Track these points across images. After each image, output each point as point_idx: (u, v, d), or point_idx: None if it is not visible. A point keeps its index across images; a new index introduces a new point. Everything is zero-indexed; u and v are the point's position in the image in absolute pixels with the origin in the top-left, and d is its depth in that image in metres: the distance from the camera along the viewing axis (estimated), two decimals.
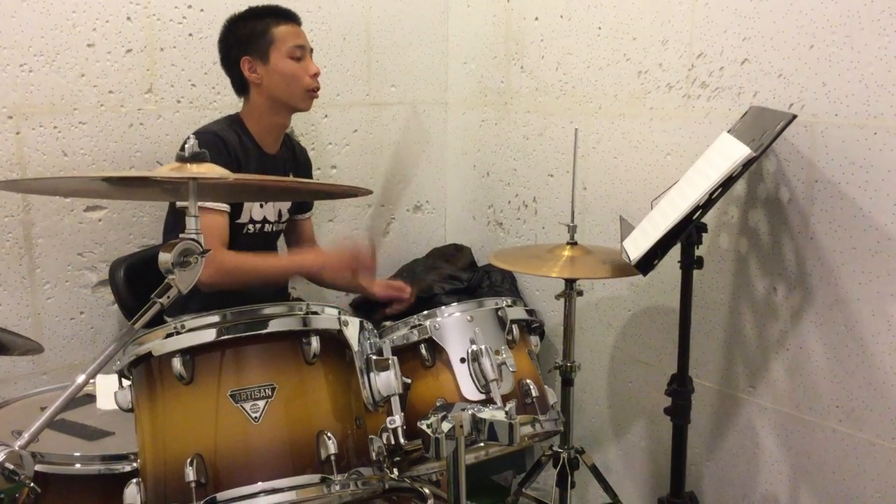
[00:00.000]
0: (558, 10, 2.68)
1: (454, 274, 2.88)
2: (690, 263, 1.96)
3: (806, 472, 2.15)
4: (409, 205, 3.16)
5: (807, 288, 2.08)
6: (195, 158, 1.37)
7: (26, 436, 1.22)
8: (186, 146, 1.38)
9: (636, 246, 1.91)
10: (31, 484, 1.18)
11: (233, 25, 2.32)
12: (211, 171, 1.38)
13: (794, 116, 1.88)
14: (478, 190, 3.11)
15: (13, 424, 1.76)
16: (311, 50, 2.36)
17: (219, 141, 2.20)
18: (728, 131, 2.01)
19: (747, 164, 1.77)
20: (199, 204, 2.12)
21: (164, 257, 1.32)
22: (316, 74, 2.33)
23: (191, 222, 1.37)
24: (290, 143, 2.51)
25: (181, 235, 1.36)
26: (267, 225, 2.40)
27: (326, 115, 2.88)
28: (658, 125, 2.41)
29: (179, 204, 1.46)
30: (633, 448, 2.64)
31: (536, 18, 2.77)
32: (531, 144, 2.86)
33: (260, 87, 2.30)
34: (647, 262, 1.84)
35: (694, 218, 1.85)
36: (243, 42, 2.29)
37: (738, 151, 1.77)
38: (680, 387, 2.04)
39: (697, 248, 1.96)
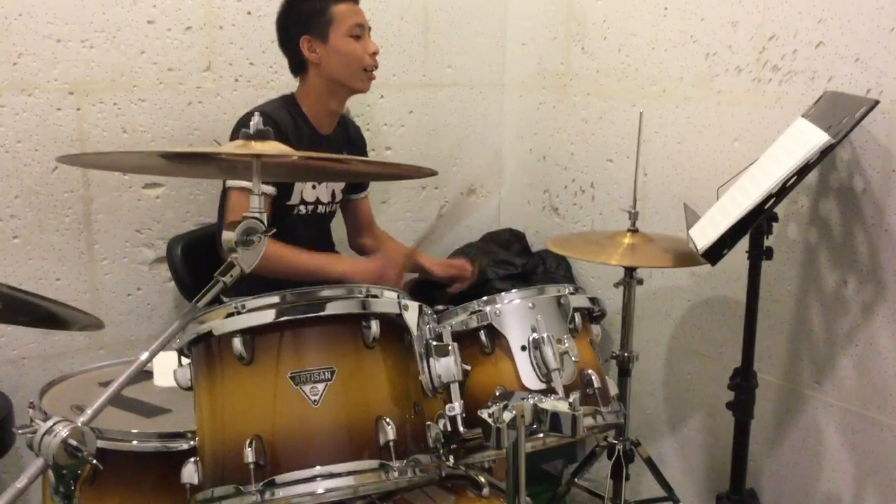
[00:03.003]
0: None
1: (508, 259, 2.84)
2: (759, 254, 1.90)
3: (872, 473, 2.08)
4: (463, 188, 3.11)
5: (879, 282, 2.00)
6: (260, 136, 1.34)
7: (89, 412, 1.21)
8: (252, 123, 1.36)
9: (704, 234, 1.85)
10: (94, 461, 1.17)
11: (292, 4, 2.30)
12: (275, 148, 1.35)
13: (877, 102, 1.80)
14: (533, 174, 3.05)
15: (72, 399, 1.77)
16: (370, 28, 2.33)
17: (269, 122, 2.17)
18: (802, 116, 1.94)
19: (825, 152, 1.70)
20: (241, 183, 2.12)
21: (228, 236, 1.31)
22: (375, 53, 2.30)
23: (254, 201, 1.35)
24: (344, 122, 2.48)
25: (244, 214, 1.34)
26: (320, 206, 2.38)
27: (382, 96, 2.85)
28: (726, 109, 2.33)
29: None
30: (689, 442, 2.58)
31: None
32: (590, 128, 2.79)
33: (319, 66, 2.27)
34: (716, 252, 1.78)
35: (766, 207, 1.78)
36: (302, 21, 2.26)
37: (816, 138, 1.70)
38: (744, 381, 1.98)
39: (767, 238, 1.89)
